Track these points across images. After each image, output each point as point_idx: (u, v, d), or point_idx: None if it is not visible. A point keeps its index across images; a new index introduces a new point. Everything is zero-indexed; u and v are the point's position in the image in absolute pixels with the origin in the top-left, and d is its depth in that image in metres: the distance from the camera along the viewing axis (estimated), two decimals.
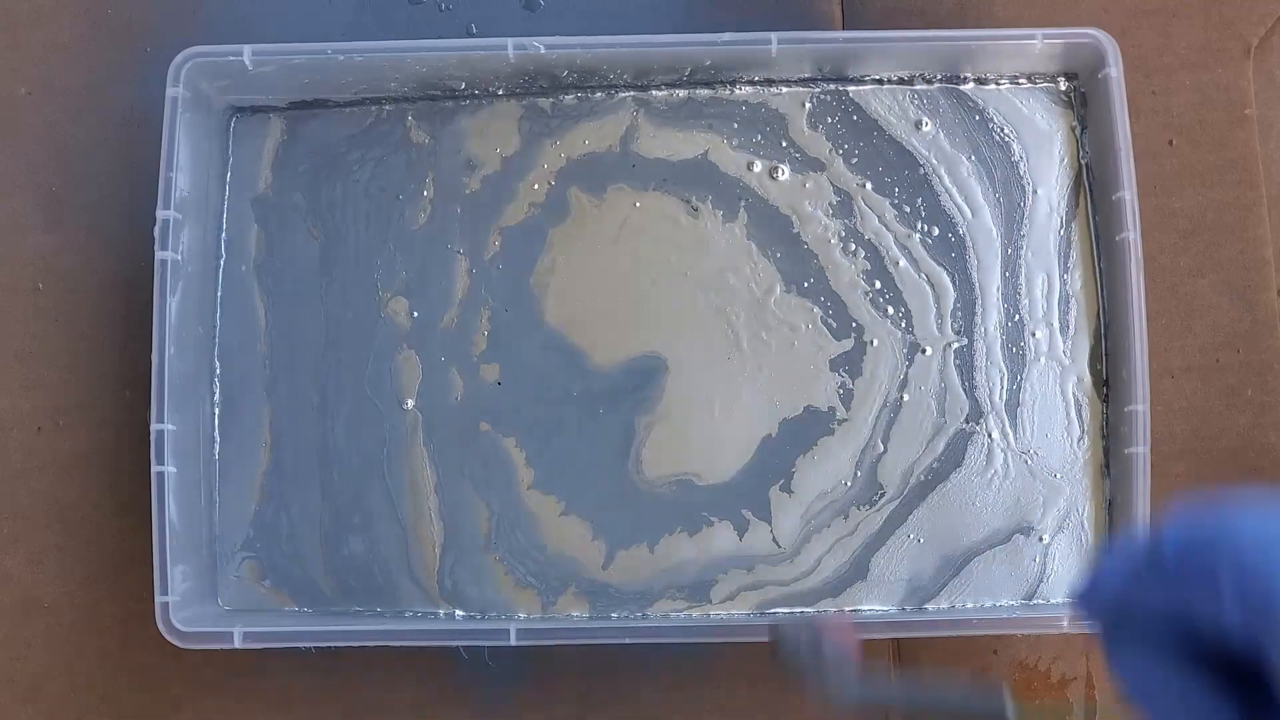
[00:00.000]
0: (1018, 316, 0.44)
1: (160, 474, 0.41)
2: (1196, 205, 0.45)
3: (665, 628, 0.42)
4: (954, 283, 0.44)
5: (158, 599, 0.40)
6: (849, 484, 0.44)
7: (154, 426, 0.41)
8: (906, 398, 0.44)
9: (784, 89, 0.45)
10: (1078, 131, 0.44)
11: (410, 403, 0.44)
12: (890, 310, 0.44)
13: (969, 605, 0.43)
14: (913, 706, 0.26)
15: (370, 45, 0.42)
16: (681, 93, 0.45)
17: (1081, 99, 0.44)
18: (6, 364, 0.45)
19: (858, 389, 0.44)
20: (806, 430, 0.44)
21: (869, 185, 0.44)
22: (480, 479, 0.44)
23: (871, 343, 0.44)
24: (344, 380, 0.44)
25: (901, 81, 0.45)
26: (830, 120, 0.45)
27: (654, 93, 0.45)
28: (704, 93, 0.45)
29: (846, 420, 0.44)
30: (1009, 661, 0.44)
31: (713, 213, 0.44)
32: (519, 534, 0.44)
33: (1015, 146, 0.44)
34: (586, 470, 0.44)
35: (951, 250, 0.44)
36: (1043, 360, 0.44)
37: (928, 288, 0.44)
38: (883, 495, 0.43)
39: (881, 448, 0.44)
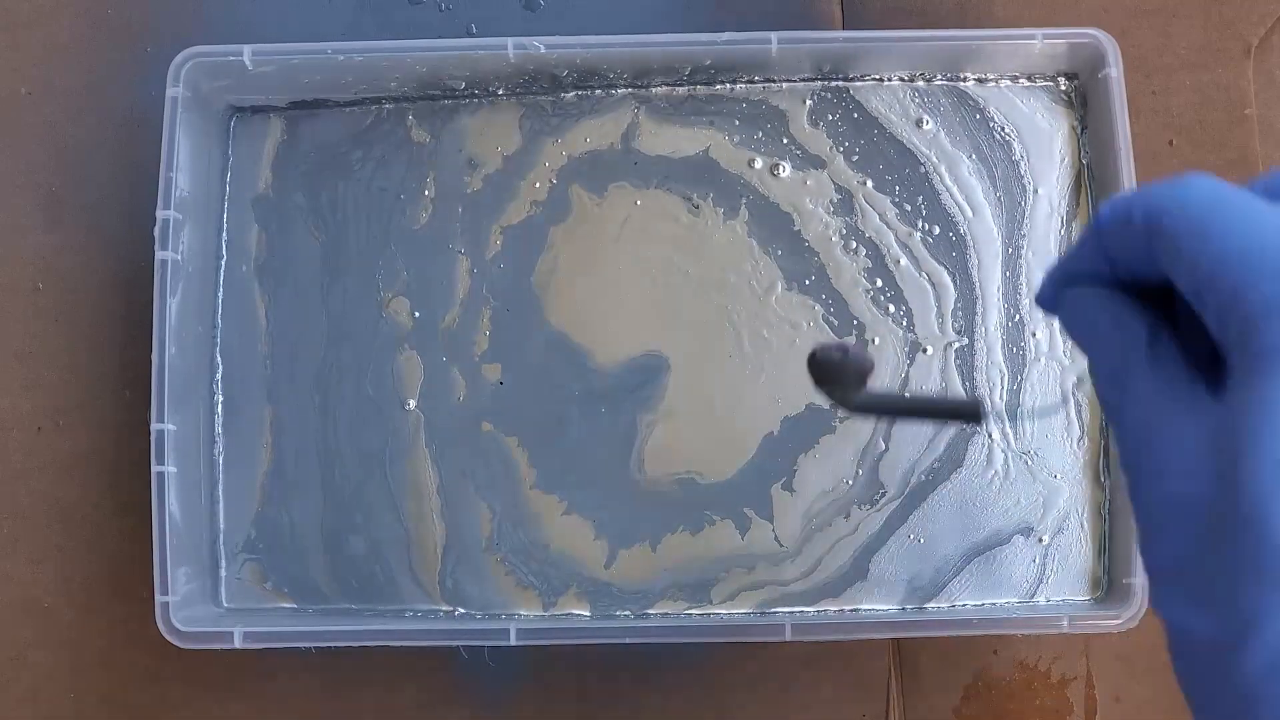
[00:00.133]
0: (1018, 316, 0.44)
1: (160, 474, 0.41)
2: None
3: (666, 628, 0.42)
4: (955, 282, 0.44)
5: (158, 599, 0.40)
6: (850, 483, 0.44)
7: (154, 426, 0.41)
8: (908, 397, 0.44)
9: (785, 85, 0.45)
10: (1078, 131, 0.44)
11: (412, 403, 0.44)
12: (891, 309, 0.44)
13: (969, 605, 0.43)
14: (906, 409, 0.33)
15: (370, 45, 0.42)
16: (682, 90, 0.45)
17: (1082, 99, 0.44)
18: (6, 364, 0.45)
19: None
20: (808, 429, 0.44)
21: (870, 183, 0.44)
22: (482, 479, 0.44)
23: (873, 341, 0.44)
24: (345, 380, 0.44)
25: (902, 80, 0.45)
26: (831, 117, 0.45)
27: (654, 90, 0.45)
28: (704, 90, 0.45)
29: (848, 419, 0.44)
30: (1009, 661, 0.44)
31: (714, 211, 0.45)
32: (521, 534, 0.43)
33: (1016, 145, 0.44)
34: (588, 469, 0.44)
35: (952, 249, 0.44)
36: (1043, 360, 0.44)
37: (928, 286, 0.44)
38: (884, 495, 0.43)
39: (883, 447, 0.44)
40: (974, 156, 0.44)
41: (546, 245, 0.45)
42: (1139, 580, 0.41)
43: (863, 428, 0.44)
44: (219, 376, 0.44)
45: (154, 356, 0.41)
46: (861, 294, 0.44)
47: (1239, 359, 0.20)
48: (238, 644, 0.40)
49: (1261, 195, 0.22)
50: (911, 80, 0.45)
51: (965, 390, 0.44)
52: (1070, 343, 0.44)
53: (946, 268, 0.44)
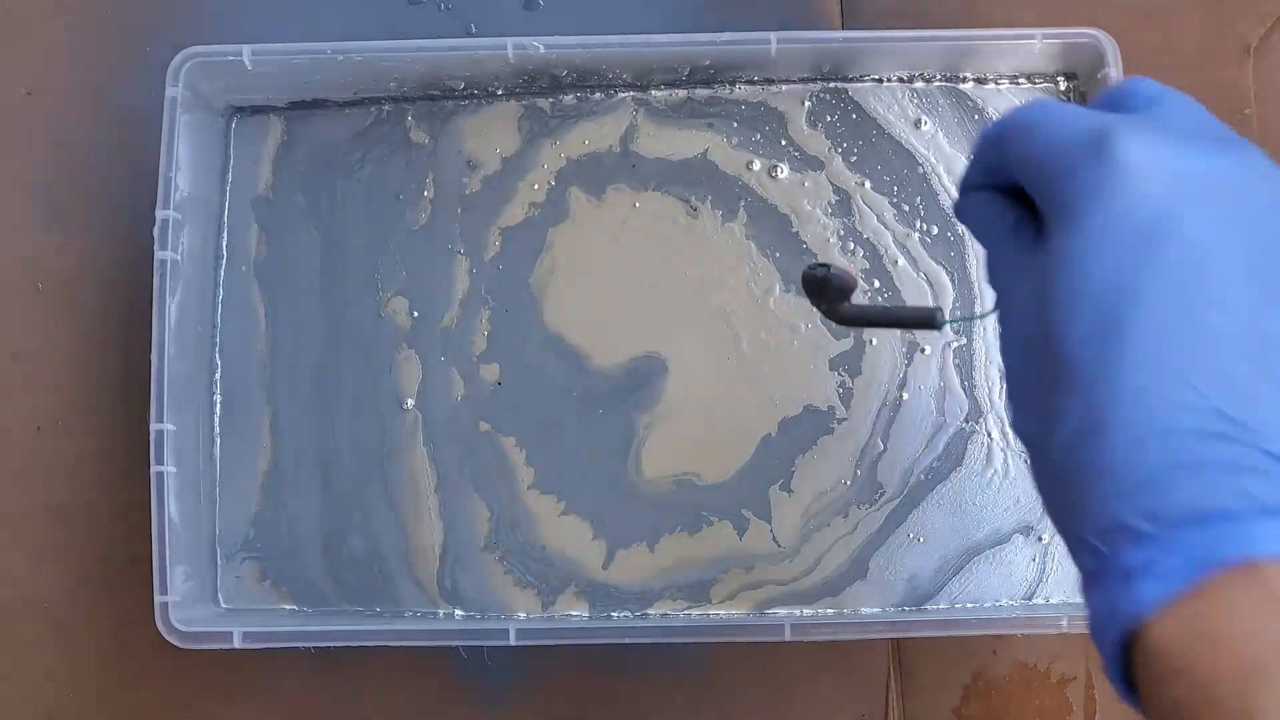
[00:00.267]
0: None
1: (160, 474, 0.41)
2: None
3: (665, 628, 0.42)
4: (953, 281, 0.44)
5: (157, 599, 0.40)
6: (849, 483, 0.44)
7: (154, 426, 0.41)
8: (906, 397, 0.44)
9: (783, 87, 0.45)
10: None
11: (410, 402, 0.44)
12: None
13: (969, 605, 0.43)
14: (879, 319, 0.36)
15: (370, 45, 0.42)
16: (681, 92, 0.45)
17: (1081, 99, 0.44)
18: (6, 364, 0.45)
19: (857, 388, 0.44)
20: (806, 429, 0.44)
21: (868, 184, 0.44)
22: (480, 479, 0.44)
23: (871, 342, 0.44)
24: (344, 380, 0.44)
25: (901, 80, 0.45)
26: (829, 118, 0.45)
27: (653, 92, 0.45)
28: (703, 92, 0.45)
29: (846, 419, 0.44)
30: (1009, 661, 0.44)
31: (712, 212, 0.45)
32: (519, 534, 0.44)
33: None
34: (586, 470, 0.44)
35: (950, 249, 0.44)
36: None
37: (926, 286, 0.44)
38: (882, 495, 0.43)
39: (881, 447, 0.44)
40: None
41: (545, 246, 0.45)
42: None
43: (861, 428, 0.44)
44: (218, 377, 0.44)
45: (153, 357, 0.41)
46: (859, 294, 0.44)
47: (1050, 220, 0.25)
48: (237, 644, 0.40)
49: (1103, 107, 0.28)
50: (910, 81, 0.45)
51: (964, 389, 0.44)
52: None
53: (945, 267, 0.44)
